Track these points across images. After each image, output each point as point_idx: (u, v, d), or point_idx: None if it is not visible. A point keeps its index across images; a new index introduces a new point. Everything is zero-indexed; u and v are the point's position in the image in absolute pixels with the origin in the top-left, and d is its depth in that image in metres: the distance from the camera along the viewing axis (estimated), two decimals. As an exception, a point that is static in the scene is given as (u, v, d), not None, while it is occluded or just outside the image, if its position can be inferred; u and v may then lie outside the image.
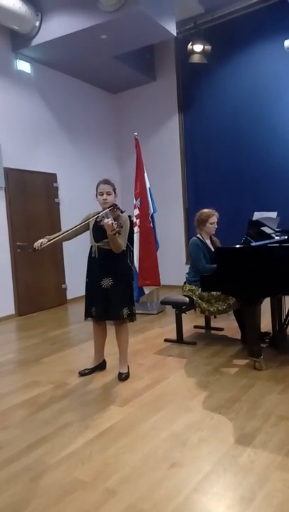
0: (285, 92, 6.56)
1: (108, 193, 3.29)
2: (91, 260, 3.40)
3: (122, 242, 3.23)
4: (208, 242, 4.26)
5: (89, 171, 7.55)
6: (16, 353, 4.42)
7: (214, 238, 4.35)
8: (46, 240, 3.32)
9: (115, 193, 3.35)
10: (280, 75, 6.58)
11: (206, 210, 4.25)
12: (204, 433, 2.47)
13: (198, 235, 4.27)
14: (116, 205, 3.23)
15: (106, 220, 3.02)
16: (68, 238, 3.44)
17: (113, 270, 3.31)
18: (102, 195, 3.30)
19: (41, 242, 3.30)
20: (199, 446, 2.34)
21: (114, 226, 3.01)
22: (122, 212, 3.22)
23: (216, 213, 4.24)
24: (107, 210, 3.17)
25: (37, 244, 3.29)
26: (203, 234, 4.26)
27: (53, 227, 6.81)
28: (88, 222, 3.40)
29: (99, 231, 3.24)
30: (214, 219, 4.20)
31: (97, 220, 3.25)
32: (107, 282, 3.29)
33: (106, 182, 3.33)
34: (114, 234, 3.05)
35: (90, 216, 3.43)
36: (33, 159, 6.58)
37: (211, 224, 4.19)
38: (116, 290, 3.30)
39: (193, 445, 2.35)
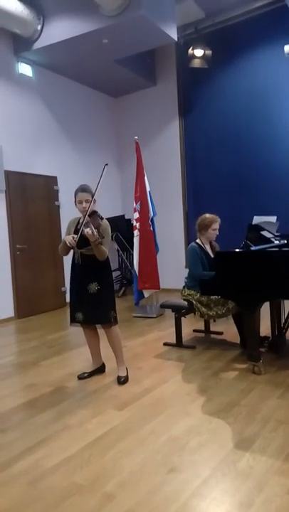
0: (285, 96, 6.58)
1: (87, 201, 3.27)
2: (75, 267, 3.41)
3: (106, 248, 3.25)
4: (207, 247, 4.23)
5: (89, 174, 7.54)
6: (14, 356, 4.41)
7: (214, 243, 4.32)
8: (73, 235, 3.27)
9: (93, 198, 3.32)
10: (280, 79, 6.60)
11: (208, 216, 4.18)
12: (203, 437, 2.47)
13: (197, 240, 4.25)
14: (96, 212, 3.24)
15: (88, 230, 3.04)
16: None
17: (98, 275, 3.33)
18: (81, 203, 3.29)
19: (72, 236, 3.23)
20: (198, 450, 2.33)
21: (96, 236, 3.04)
22: (101, 219, 3.22)
23: (219, 219, 4.18)
24: (88, 218, 3.18)
25: (72, 242, 3.21)
26: (203, 239, 4.24)
27: (53, 230, 6.83)
28: (69, 229, 3.42)
29: (81, 238, 3.21)
30: (216, 225, 4.15)
31: (78, 227, 3.27)
32: (93, 287, 3.31)
33: (84, 190, 3.31)
34: (97, 244, 3.09)
35: (70, 224, 3.46)
36: (34, 162, 6.60)
37: (213, 230, 4.15)
38: (103, 294, 3.33)
39: (192, 450, 2.34)
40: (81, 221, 3.34)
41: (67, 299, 6.98)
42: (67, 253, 3.38)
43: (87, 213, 3.20)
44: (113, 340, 3.47)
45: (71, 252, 3.39)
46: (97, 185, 3.30)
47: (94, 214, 3.21)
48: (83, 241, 3.23)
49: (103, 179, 3.24)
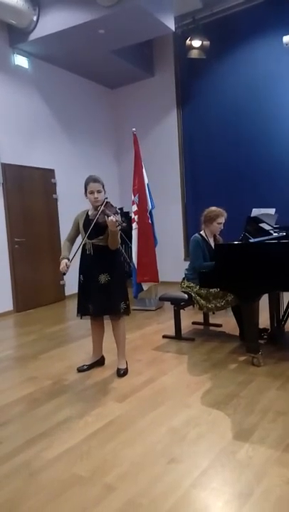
0: (283, 87, 6.54)
1: (99, 191, 3.26)
2: (86, 257, 3.38)
3: (119, 239, 3.25)
4: (211, 240, 4.21)
5: (87, 166, 7.51)
6: (14, 349, 4.42)
7: (218, 237, 4.30)
8: (67, 261, 3.34)
9: (104, 190, 3.32)
10: (278, 70, 6.56)
11: (214, 209, 4.13)
12: (202, 429, 2.48)
13: (201, 232, 4.22)
14: (108, 202, 3.23)
15: (111, 218, 3.02)
16: (72, 246, 3.48)
17: (109, 266, 3.32)
18: (92, 193, 3.27)
19: (65, 263, 3.31)
20: (197, 441, 2.35)
21: (120, 221, 3.03)
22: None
23: (225, 214, 4.12)
24: (102, 207, 3.16)
25: (63, 268, 3.30)
26: (207, 231, 4.21)
27: (50, 223, 6.82)
28: (78, 223, 3.41)
29: (93, 228, 3.22)
30: (222, 219, 4.11)
31: (91, 218, 3.26)
32: (104, 278, 3.30)
33: (95, 180, 3.29)
34: (120, 229, 3.08)
35: (78, 217, 3.44)
36: (31, 155, 6.56)
37: (218, 224, 4.11)
38: (114, 285, 3.31)
39: (192, 441, 2.36)
40: (90, 213, 3.33)
41: (66, 293, 7.01)
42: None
43: (101, 203, 3.19)
44: (118, 333, 3.47)
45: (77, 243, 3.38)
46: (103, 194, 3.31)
47: (107, 203, 3.20)
48: (95, 231, 3.23)
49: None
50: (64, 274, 3.34)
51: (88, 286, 3.37)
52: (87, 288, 3.39)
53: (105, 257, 3.31)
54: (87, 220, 3.32)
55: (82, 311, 3.45)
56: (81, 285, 3.45)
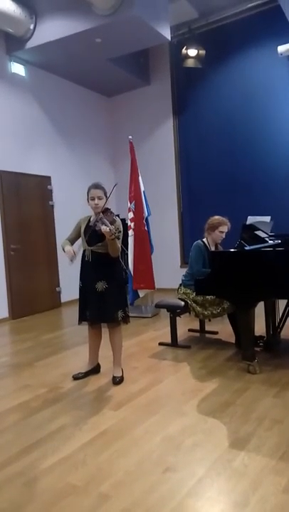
0: (278, 96, 6.61)
1: (99, 198, 3.27)
2: (84, 264, 3.39)
3: (119, 245, 3.24)
4: (212, 248, 4.22)
5: (83, 173, 7.54)
6: (8, 357, 4.39)
7: (219, 247, 4.31)
8: (71, 247, 3.31)
9: (106, 196, 3.34)
10: (273, 80, 6.63)
11: (217, 217, 4.15)
12: (198, 437, 2.47)
13: (203, 239, 4.23)
14: (108, 209, 3.23)
15: (104, 227, 3.02)
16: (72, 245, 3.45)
17: (107, 273, 3.31)
18: (93, 199, 3.28)
19: (72, 249, 3.28)
20: (193, 450, 2.34)
21: (113, 231, 3.02)
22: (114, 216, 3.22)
23: (228, 223, 4.12)
24: (101, 215, 3.16)
25: (70, 254, 3.27)
26: (209, 239, 4.21)
27: (47, 230, 6.81)
28: (80, 228, 3.41)
29: (92, 235, 3.25)
30: (224, 228, 4.11)
31: (90, 224, 3.26)
32: (101, 285, 3.29)
33: (97, 186, 3.31)
34: (113, 239, 3.07)
35: (81, 221, 3.45)
36: (28, 162, 6.57)
37: (220, 232, 4.11)
38: (110, 293, 3.31)
39: (187, 449, 2.35)
40: (92, 219, 3.33)
41: (62, 299, 7.00)
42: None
43: (101, 210, 3.19)
44: (115, 340, 3.46)
45: (81, 249, 3.38)
46: (105, 201, 3.30)
47: (106, 211, 3.20)
48: (94, 238, 3.23)
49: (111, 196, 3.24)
50: (72, 261, 3.29)
51: (86, 293, 3.38)
52: (85, 295, 3.39)
53: (103, 265, 3.30)
54: (88, 226, 3.32)
55: (81, 318, 3.46)
56: (80, 291, 3.45)
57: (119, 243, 3.24)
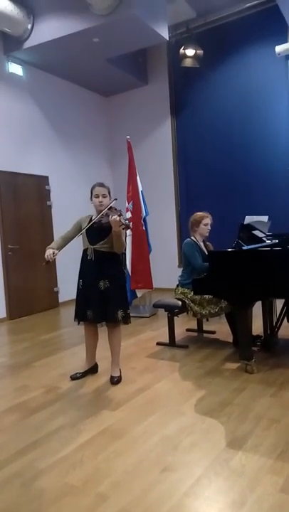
0: (275, 96, 6.62)
1: (104, 196, 3.29)
2: (86, 263, 3.37)
3: (124, 240, 3.25)
4: (201, 244, 4.26)
5: (81, 173, 7.54)
6: (6, 357, 4.39)
7: (208, 244, 4.35)
8: (53, 250, 3.29)
9: (110, 195, 3.36)
10: (271, 79, 6.64)
11: (199, 213, 4.27)
12: (196, 437, 2.48)
13: (192, 237, 4.27)
14: (112, 207, 3.24)
15: (114, 217, 3.03)
16: (64, 245, 3.43)
17: (110, 272, 3.31)
18: (97, 197, 3.29)
19: (53, 252, 3.27)
20: (191, 450, 2.34)
21: (122, 221, 3.04)
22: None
23: (210, 216, 4.25)
24: (106, 210, 3.18)
25: (49, 255, 3.25)
26: (196, 236, 4.26)
27: (45, 230, 6.81)
28: (80, 226, 3.40)
29: (95, 233, 3.24)
30: (207, 220, 4.21)
31: (94, 221, 3.25)
32: (103, 284, 3.29)
33: (101, 185, 3.34)
34: (123, 228, 3.08)
35: (81, 220, 3.44)
36: (25, 162, 6.56)
37: (205, 225, 4.19)
38: (112, 292, 3.30)
39: (185, 449, 2.35)
40: (94, 217, 3.33)
41: (60, 300, 6.99)
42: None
43: (107, 207, 3.20)
44: (114, 340, 3.45)
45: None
46: (109, 200, 3.32)
47: (111, 208, 3.21)
48: (97, 236, 3.24)
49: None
50: (48, 262, 3.27)
51: (88, 292, 3.35)
52: (86, 294, 3.36)
53: (106, 264, 3.30)
54: (90, 225, 3.30)
55: (80, 317, 3.43)
56: (80, 290, 3.43)
57: (124, 240, 3.24)
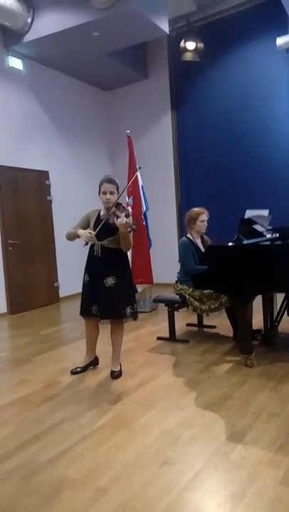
0: (276, 89, 6.58)
1: (111, 193, 3.23)
2: (93, 258, 3.34)
3: (131, 240, 3.22)
4: (198, 241, 4.24)
5: (81, 168, 7.52)
6: (7, 352, 4.40)
7: (205, 238, 4.34)
8: (88, 230, 3.24)
9: (118, 192, 3.29)
10: (271, 72, 6.60)
11: (195, 209, 4.22)
12: (196, 431, 2.48)
13: (188, 235, 4.25)
14: (120, 204, 3.22)
15: (121, 219, 3.00)
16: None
17: (116, 269, 3.29)
18: (105, 194, 3.24)
19: (89, 231, 3.20)
20: (191, 443, 2.35)
21: (130, 224, 3.02)
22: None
23: (206, 211, 4.21)
24: (114, 208, 3.15)
25: (88, 237, 3.17)
26: (193, 233, 4.24)
27: (45, 225, 6.80)
28: (89, 221, 3.37)
29: (102, 229, 3.19)
30: (204, 217, 4.18)
31: (101, 218, 3.23)
32: (110, 281, 3.26)
33: (110, 181, 3.26)
34: (130, 232, 3.06)
35: (90, 215, 3.41)
36: (25, 157, 6.54)
37: (201, 222, 4.17)
38: (119, 289, 3.27)
39: (185, 443, 2.36)
40: (102, 213, 3.30)
41: (61, 295, 7.00)
42: (74, 239, 3.33)
43: (113, 204, 3.17)
44: (117, 336, 3.44)
45: (81, 243, 3.32)
46: (117, 197, 3.27)
47: (119, 205, 3.18)
48: (105, 232, 3.20)
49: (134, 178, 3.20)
50: (87, 243, 3.22)
51: (94, 287, 3.33)
52: (92, 289, 3.34)
53: (113, 260, 3.27)
54: (98, 220, 3.28)
55: (85, 312, 3.42)
56: (85, 285, 3.41)
57: (131, 238, 3.23)
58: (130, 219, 3.08)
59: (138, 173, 5.70)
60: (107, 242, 3.25)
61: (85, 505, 1.89)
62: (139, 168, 3.32)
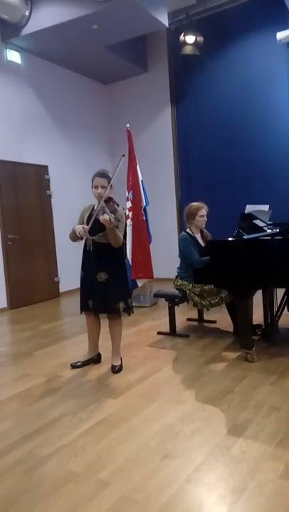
0: (276, 83, 6.55)
1: (103, 187, 3.21)
2: (86, 254, 3.37)
3: (121, 235, 3.19)
4: (197, 236, 4.23)
5: (80, 162, 7.50)
6: (8, 347, 4.41)
7: (205, 232, 4.33)
8: (82, 225, 3.21)
9: (111, 186, 3.26)
10: (272, 67, 6.56)
11: (194, 204, 4.20)
12: (196, 425, 2.49)
13: (187, 230, 4.24)
14: (111, 199, 3.20)
15: (103, 217, 3.00)
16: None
17: (108, 264, 3.29)
18: (96, 188, 3.23)
19: (82, 226, 3.17)
20: (191, 437, 2.36)
21: (112, 220, 3.00)
22: (117, 205, 3.19)
23: (205, 206, 4.19)
24: (103, 204, 3.13)
25: (81, 232, 3.14)
26: (192, 228, 4.23)
27: (44, 220, 6.79)
28: (83, 217, 3.37)
29: (94, 225, 3.18)
30: (203, 212, 4.16)
31: (92, 213, 3.22)
32: (102, 276, 3.27)
33: (101, 175, 3.25)
34: (112, 228, 3.04)
35: (84, 211, 3.41)
36: (24, 151, 6.52)
37: (201, 217, 4.15)
38: (111, 284, 3.28)
39: (186, 437, 2.37)
40: (95, 207, 3.30)
41: (61, 289, 7.00)
42: (77, 240, 3.32)
43: (103, 199, 3.14)
44: (115, 331, 3.46)
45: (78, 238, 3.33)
46: (113, 174, 3.23)
47: (109, 200, 3.17)
48: (96, 228, 3.18)
49: (119, 168, 3.17)
50: (81, 238, 3.21)
51: (88, 282, 3.36)
52: (87, 284, 3.38)
53: (104, 255, 3.27)
54: (91, 215, 3.28)
55: (83, 307, 3.45)
56: (82, 281, 3.44)
57: (121, 233, 3.20)
58: (113, 216, 3.02)
59: (138, 167, 5.69)
60: (98, 237, 3.25)
61: (87, 498, 1.90)
62: (123, 155, 3.27)
